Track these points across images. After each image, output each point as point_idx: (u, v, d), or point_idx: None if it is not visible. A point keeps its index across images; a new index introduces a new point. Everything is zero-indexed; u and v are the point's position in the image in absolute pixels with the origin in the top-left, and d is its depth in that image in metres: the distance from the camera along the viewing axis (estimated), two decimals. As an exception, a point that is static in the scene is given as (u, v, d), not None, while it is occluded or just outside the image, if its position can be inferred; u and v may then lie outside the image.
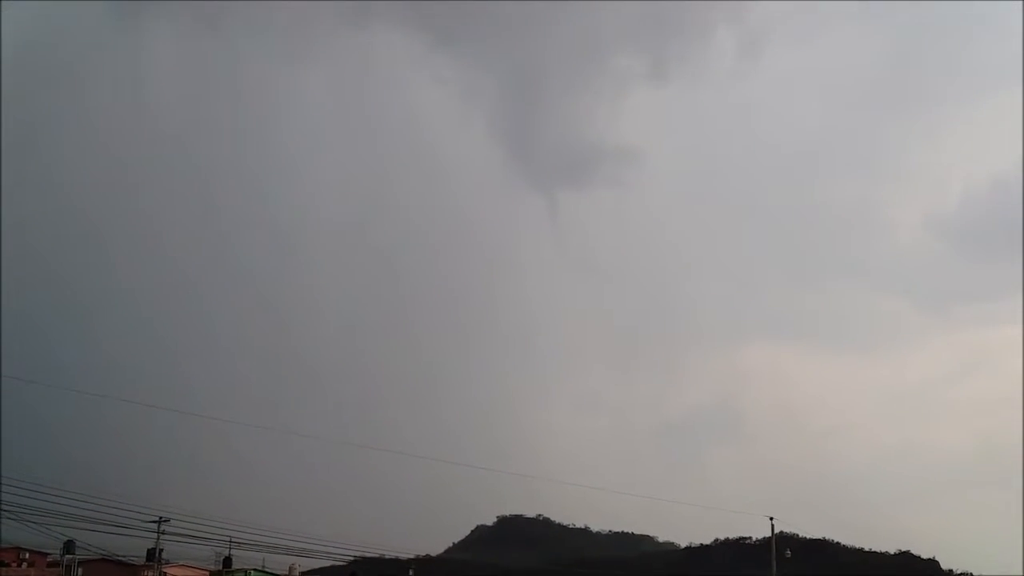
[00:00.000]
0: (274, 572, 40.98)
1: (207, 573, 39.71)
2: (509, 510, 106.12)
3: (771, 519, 37.08)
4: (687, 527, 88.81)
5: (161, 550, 30.63)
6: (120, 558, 35.35)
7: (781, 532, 40.62)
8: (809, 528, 56.89)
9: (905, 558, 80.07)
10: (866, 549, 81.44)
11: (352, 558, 39.44)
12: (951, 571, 79.61)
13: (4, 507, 26.53)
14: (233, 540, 33.53)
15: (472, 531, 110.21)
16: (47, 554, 36.87)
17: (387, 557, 47.17)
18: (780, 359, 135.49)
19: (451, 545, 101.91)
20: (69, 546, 30.93)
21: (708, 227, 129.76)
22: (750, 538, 79.00)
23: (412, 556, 53.88)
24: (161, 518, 30.32)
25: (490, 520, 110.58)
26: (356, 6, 61.13)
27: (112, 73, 53.11)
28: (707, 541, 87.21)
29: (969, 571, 71.62)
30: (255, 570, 38.80)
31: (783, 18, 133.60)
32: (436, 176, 66.90)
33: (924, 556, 79.13)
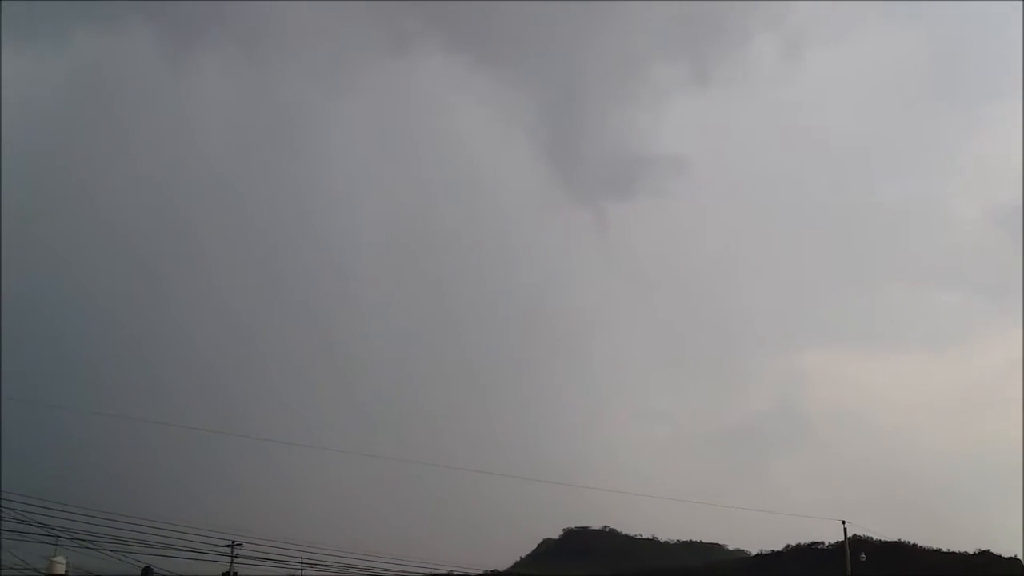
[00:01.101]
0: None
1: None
2: (574, 523, 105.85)
3: (843, 523, 36.48)
4: (756, 534, 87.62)
5: (235, 574, 31.20)
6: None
7: (854, 536, 39.87)
8: (883, 530, 55.65)
9: (985, 558, 77.69)
10: (944, 550, 79.25)
11: (420, 575, 39.74)
12: (1036, 569, 77.08)
13: (82, 536, 27.36)
14: (304, 561, 34.04)
15: (538, 545, 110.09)
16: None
17: (455, 573, 47.44)
18: (841, 360, 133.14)
19: (518, 560, 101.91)
20: (147, 572, 31.71)
21: (758, 231, 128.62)
22: (822, 543, 77.54)
23: (480, 572, 54.02)
24: (234, 542, 30.92)
25: (556, 533, 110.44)
26: (396, 33, 62.33)
27: (161, 108, 55.39)
28: (778, 547, 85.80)
29: (1055, 568, 69.33)
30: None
31: (822, 17, 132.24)
32: (481, 196, 67.65)
33: (1005, 555, 76.71)
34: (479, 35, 62.42)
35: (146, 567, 31.34)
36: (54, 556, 30.89)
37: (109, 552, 28.75)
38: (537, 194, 68.45)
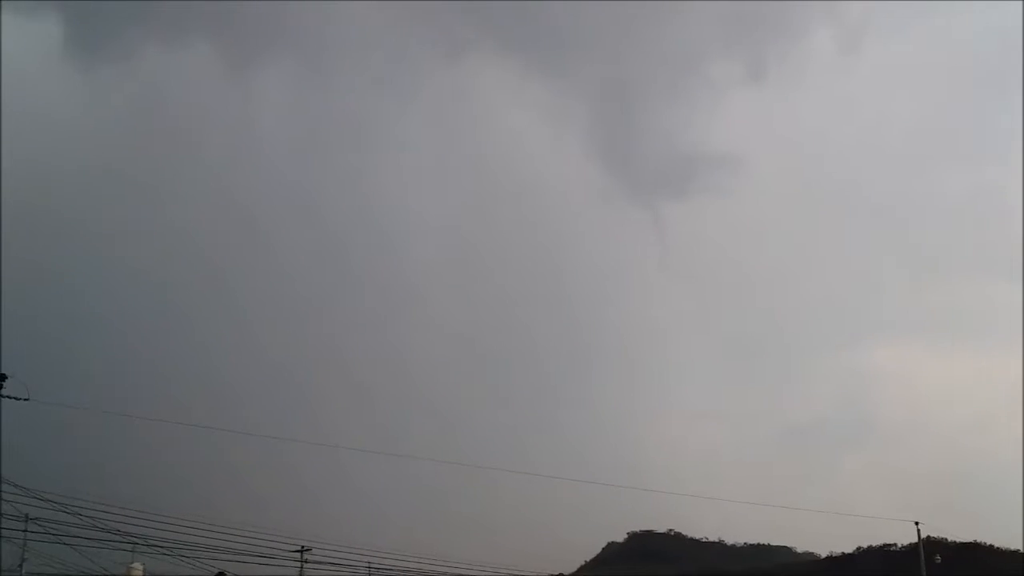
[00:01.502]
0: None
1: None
2: (639, 526, 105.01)
3: (916, 524, 35.63)
4: (826, 536, 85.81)
5: (305, 579, 31.76)
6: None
7: (928, 537, 38.86)
8: (958, 532, 54.18)
9: (1068, 559, 75.13)
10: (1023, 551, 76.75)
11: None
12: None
13: (156, 542, 28.15)
14: (372, 566, 34.48)
15: (603, 548, 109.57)
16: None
17: (522, 577, 47.47)
18: (907, 357, 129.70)
19: (583, 563, 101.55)
20: (220, 577, 32.43)
21: (817, 227, 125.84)
22: (895, 545, 75.70)
23: (546, 575, 54.01)
24: (303, 547, 31.49)
25: (620, 537, 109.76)
26: (450, 40, 63.02)
27: (226, 121, 56.91)
28: (849, 550, 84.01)
29: None
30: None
31: (882, 8, 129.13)
32: (536, 197, 67.98)
33: (1089, 556, 73.99)
34: (531, 40, 63.35)
35: (219, 572, 32.09)
36: (132, 563, 31.81)
37: (183, 558, 29.53)
38: (592, 195, 68.92)
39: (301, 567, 31.48)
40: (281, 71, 57.65)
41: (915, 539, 35.76)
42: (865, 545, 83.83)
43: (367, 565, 33.94)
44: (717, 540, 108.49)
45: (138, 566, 32.04)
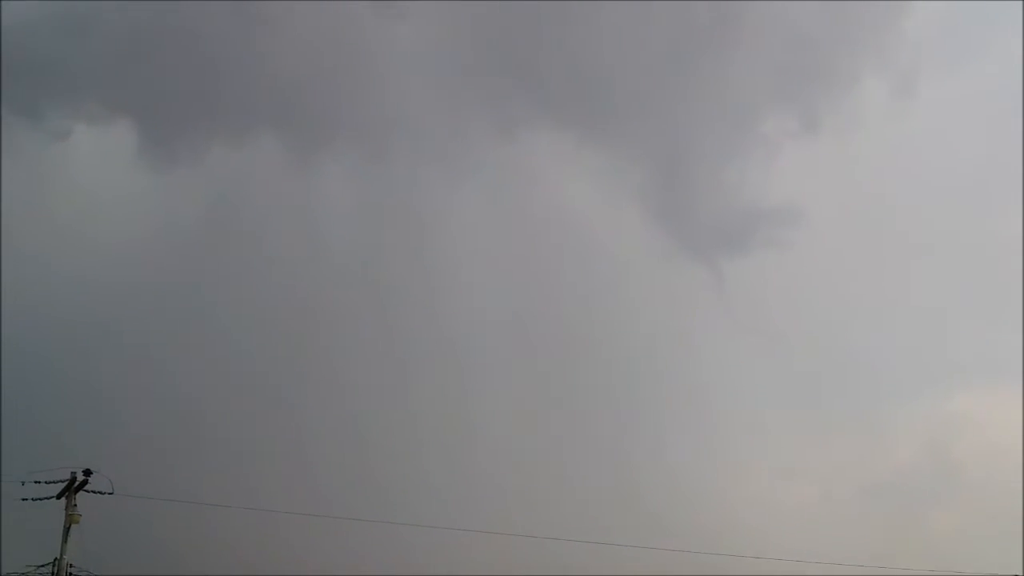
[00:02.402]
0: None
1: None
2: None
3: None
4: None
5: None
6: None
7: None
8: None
9: None
10: None
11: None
12: None
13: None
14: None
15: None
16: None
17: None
18: (995, 402, 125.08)
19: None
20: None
21: (884, 274, 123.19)
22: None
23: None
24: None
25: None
26: (504, 120, 65.02)
27: (291, 212, 59.36)
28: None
29: None
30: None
31: (935, 48, 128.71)
32: (596, 262, 68.61)
33: None
34: (583, 111, 64.88)
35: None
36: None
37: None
38: (652, 257, 68.92)
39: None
40: (342, 159, 60.61)
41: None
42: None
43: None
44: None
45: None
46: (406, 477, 51.74)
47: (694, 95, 71.75)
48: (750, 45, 67.06)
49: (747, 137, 76.07)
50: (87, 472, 23.81)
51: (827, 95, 74.20)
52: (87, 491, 23.96)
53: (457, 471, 55.82)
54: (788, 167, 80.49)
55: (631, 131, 74.68)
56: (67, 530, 23.72)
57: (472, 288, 68.98)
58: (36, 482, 24.37)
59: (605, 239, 77.58)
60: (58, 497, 24.10)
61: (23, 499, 24.36)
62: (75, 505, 23.79)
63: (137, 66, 52.82)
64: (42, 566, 23.73)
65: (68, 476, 24.16)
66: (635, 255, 77.01)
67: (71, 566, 23.63)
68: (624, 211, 76.70)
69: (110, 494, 24.07)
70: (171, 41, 54.00)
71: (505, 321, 69.75)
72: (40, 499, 24.29)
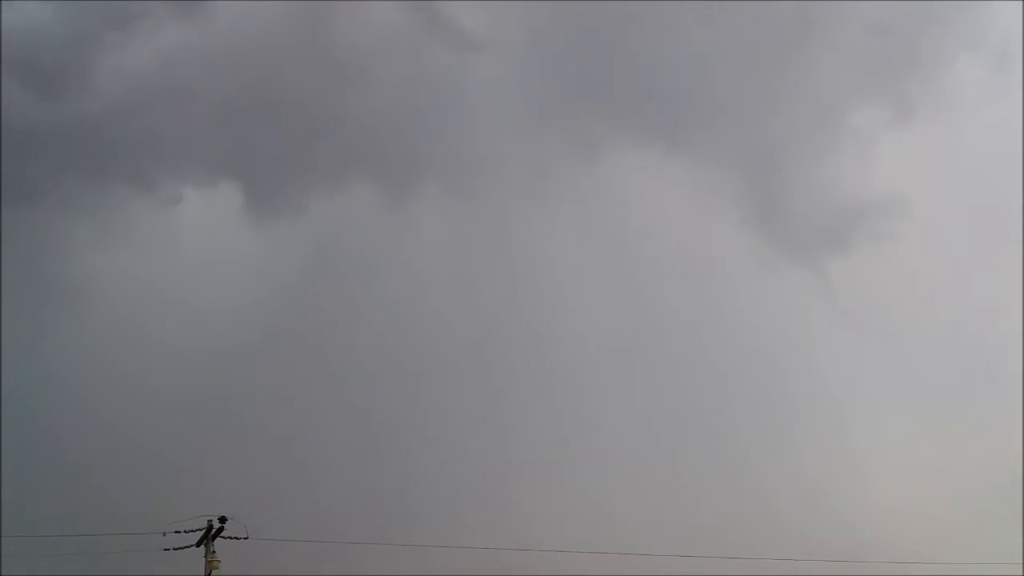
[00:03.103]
0: None
1: None
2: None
3: None
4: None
5: None
6: None
7: None
8: None
9: None
10: None
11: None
12: None
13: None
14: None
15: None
16: None
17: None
18: None
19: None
20: None
21: (998, 260, 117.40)
22: None
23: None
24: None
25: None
26: (586, 141, 65.25)
27: (388, 253, 60.91)
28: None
29: None
30: None
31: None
32: (696, 272, 67.66)
33: None
34: (666, 122, 64.23)
35: None
36: None
37: None
38: (750, 262, 67.27)
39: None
40: (433, 198, 61.98)
41: None
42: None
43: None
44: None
45: None
46: (518, 503, 51.80)
47: (778, 94, 70.54)
48: (831, 37, 65.59)
49: (838, 131, 74.14)
50: (223, 519, 24.97)
51: (919, 80, 71.85)
52: (223, 537, 25.10)
53: (577, 496, 55.50)
54: (886, 157, 77.81)
55: (717, 137, 73.69)
56: (208, 577, 24.85)
57: (573, 313, 68.83)
58: (176, 532, 25.64)
59: (702, 249, 76.48)
60: (197, 545, 25.30)
61: (164, 549, 25.65)
62: (214, 551, 24.96)
63: (236, 128, 55.51)
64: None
65: (205, 524, 25.38)
66: (735, 263, 75.52)
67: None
68: (718, 219, 75.45)
69: (245, 539, 25.15)
70: (265, 102, 56.50)
71: (611, 343, 69.33)
72: (180, 548, 25.57)
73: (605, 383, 61.20)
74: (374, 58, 59.91)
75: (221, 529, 25.06)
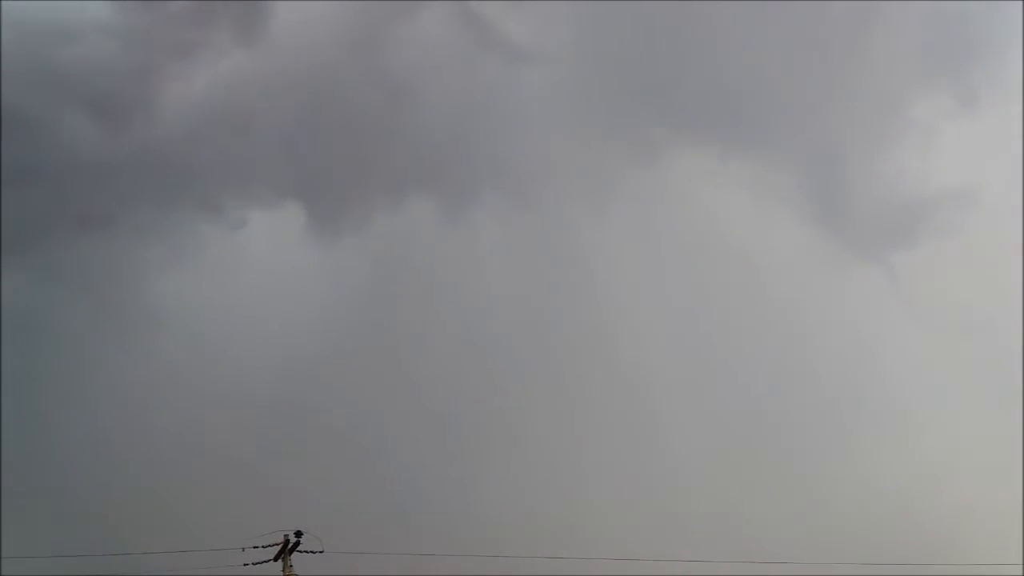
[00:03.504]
0: None
1: None
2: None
3: None
4: None
5: None
6: None
7: None
8: None
9: None
10: None
11: None
12: None
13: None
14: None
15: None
16: None
17: None
18: None
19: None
20: None
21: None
22: None
23: None
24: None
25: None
26: (643, 145, 64.99)
27: (449, 266, 61.54)
28: None
29: None
30: None
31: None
32: (758, 276, 66.71)
33: None
34: (722, 123, 63.49)
35: None
36: None
37: None
38: (814, 261, 66.00)
39: None
40: (491, 209, 62.40)
41: None
42: None
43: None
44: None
45: None
46: (590, 509, 51.83)
47: (836, 89, 69.52)
48: (887, 29, 64.44)
49: (899, 124, 72.72)
50: (298, 533, 25.65)
51: (981, 67, 70.14)
52: (300, 551, 25.76)
53: (648, 502, 55.27)
54: (950, 148, 76.03)
55: (776, 136, 72.84)
56: (284, 591, 25.50)
57: (637, 318, 68.59)
58: (254, 547, 26.38)
59: (765, 250, 75.66)
60: (275, 559, 26.00)
61: (244, 564, 26.39)
62: (291, 566, 25.63)
63: (297, 150, 56.88)
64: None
65: (281, 539, 26.07)
66: (799, 263, 74.44)
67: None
68: (781, 219, 74.48)
69: (321, 552, 25.77)
70: (324, 122, 57.76)
71: (676, 349, 68.87)
72: (259, 563, 26.29)
73: (672, 388, 60.72)
74: (428, 74, 60.82)
75: (297, 543, 25.72)
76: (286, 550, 25.85)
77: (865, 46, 65.54)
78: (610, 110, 68.75)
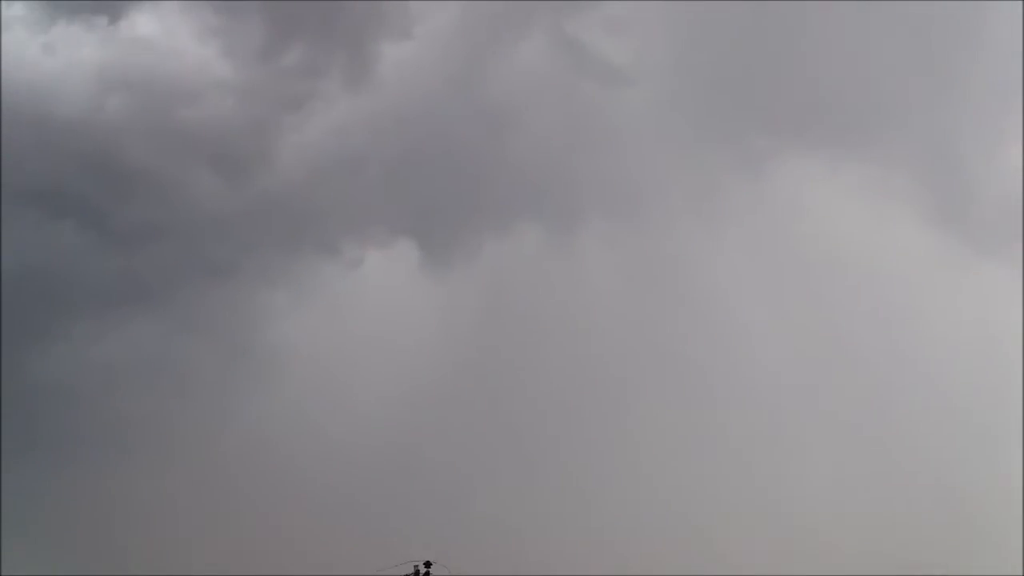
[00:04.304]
0: None
1: None
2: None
3: None
4: None
5: None
6: None
7: None
8: None
9: None
10: None
11: None
12: None
13: None
14: None
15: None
16: None
17: None
18: None
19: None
20: None
21: None
22: None
23: None
24: None
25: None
26: (749, 155, 64.14)
27: (561, 292, 61.99)
28: None
29: None
30: None
31: None
32: (883, 285, 64.35)
33: None
34: (830, 128, 61.92)
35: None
36: None
37: None
38: (940, 261, 62.98)
39: None
40: (598, 230, 62.51)
41: None
42: None
43: None
44: None
45: None
46: (714, 527, 51.05)
47: (946, 87, 66.99)
48: (999, 17, 61.84)
49: (1017, 118, 69.33)
50: (427, 564, 26.31)
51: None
52: (430, 580, 26.37)
53: (775, 516, 53.99)
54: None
55: (887, 138, 70.52)
56: (415, 621, 26.15)
57: (755, 331, 67.25)
58: (386, 577, 27.14)
59: (884, 254, 73.14)
60: (407, 589, 26.68)
61: (377, 593, 27.19)
62: (421, 594, 26.27)
63: (406, 187, 58.64)
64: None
65: (412, 569, 26.78)
66: (923, 266, 71.61)
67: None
68: (898, 221, 71.92)
69: (449, 580, 26.34)
70: (430, 158, 59.41)
71: (798, 360, 67.11)
72: (390, 591, 27.00)
73: (798, 401, 59.08)
74: (528, 102, 61.72)
75: (427, 574, 26.36)
76: (416, 579, 26.49)
77: (976, 40, 62.91)
78: (712, 123, 68.09)
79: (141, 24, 51.98)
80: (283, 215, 54.76)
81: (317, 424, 51.93)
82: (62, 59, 50.17)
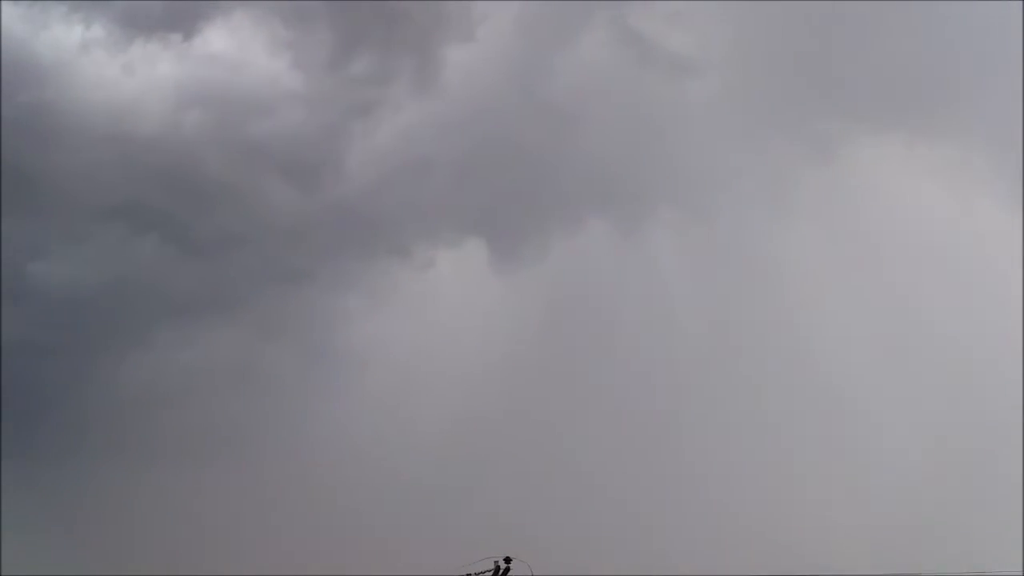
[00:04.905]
0: None
1: None
2: None
3: None
4: None
5: None
6: None
7: None
8: None
9: None
10: None
11: None
12: None
13: None
14: None
15: None
16: None
17: None
18: None
19: None
20: None
21: None
22: None
23: None
24: None
25: None
26: (817, 139, 62.76)
27: (630, 287, 61.75)
28: None
29: None
30: None
31: None
32: (965, 270, 62.38)
33: None
34: (904, 109, 60.05)
35: None
36: None
37: None
38: (1017, 249, 60.56)
39: None
40: (666, 224, 62.06)
41: None
42: None
43: None
44: None
45: None
46: (794, 526, 50.32)
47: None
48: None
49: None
50: (507, 559, 26.64)
51: None
52: (510, 576, 26.73)
53: (861, 515, 52.94)
54: None
55: (965, 116, 68.37)
56: (501, 616, 26.50)
57: (833, 320, 65.89)
58: (467, 575, 27.61)
59: (965, 236, 70.86)
60: (487, 585, 27.08)
61: (458, 591, 27.68)
62: (502, 590, 26.61)
63: (474, 187, 59.25)
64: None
65: (492, 565, 27.14)
66: (1007, 251, 69.16)
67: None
68: (978, 203, 69.65)
69: (530, 576, 26.63)
70: (497, 158, 59.92)
71: (879, 349, 65.55)
72: (472, 589, 27.45)
73: (881, 393, 57.54)
74: (592, 96, 61.61)
75: (507, 569, 26.67)
76: (497, 575, 26.83)
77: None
78: (779, 110, 66.98)
79: (214, 40, 53.47)
80: (355, 220, 55.86)
81: (398, 420, 52.86)
82: (141, 78, 51.97)
